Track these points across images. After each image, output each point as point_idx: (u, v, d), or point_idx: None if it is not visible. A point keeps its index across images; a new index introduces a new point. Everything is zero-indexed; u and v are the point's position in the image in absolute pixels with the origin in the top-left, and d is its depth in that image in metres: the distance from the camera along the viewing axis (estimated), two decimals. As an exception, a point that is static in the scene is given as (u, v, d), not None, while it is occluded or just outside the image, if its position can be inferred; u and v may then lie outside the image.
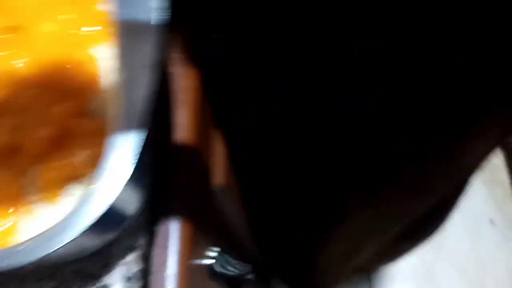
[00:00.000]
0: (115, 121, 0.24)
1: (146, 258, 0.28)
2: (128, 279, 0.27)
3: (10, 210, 0.26)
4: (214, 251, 0.39)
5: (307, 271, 0.59)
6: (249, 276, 0.45)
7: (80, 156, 0.28)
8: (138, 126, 0.24)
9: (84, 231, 0.23)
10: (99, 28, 0.31)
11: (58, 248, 0.22)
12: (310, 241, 0.55)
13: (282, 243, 0.56)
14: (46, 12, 0.32)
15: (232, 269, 0.42)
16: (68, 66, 0.30)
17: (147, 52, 0.24)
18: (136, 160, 0.24)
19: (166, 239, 0.31)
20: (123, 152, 0.25)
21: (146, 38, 0.24)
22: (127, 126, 0.24)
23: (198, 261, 0.38)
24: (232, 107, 0.40)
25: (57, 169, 0.27)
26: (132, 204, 0.27)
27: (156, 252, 0.30)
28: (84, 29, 0.31)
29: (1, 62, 0.31)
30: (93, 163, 0.27)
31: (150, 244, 0.29)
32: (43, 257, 0.22)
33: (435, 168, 0.41)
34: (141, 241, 0.28)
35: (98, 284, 0.26)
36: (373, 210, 0.49)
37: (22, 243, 0.22)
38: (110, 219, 0.24)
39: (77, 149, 0.28)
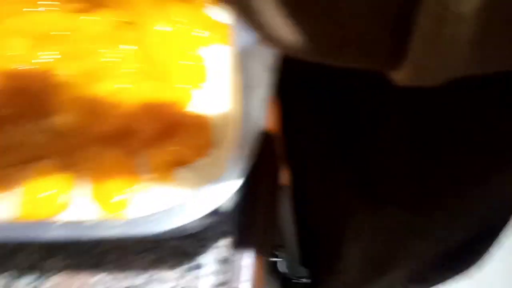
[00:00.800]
0: (233, 117, 0.27)
1: (235, 245, 0.30)
2: (219, 261, 0.29)
3: (124, 186, 0.29)
4: (280, 251, 0.41)
5: (329, 272, 0.59)
6: (304, 281, 0.47)
7: (187, 145, 0.30)
8: (255, 125, 0.26)
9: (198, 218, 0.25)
10: (208, 32, 0.34)
11: (179, 227, 0.24)
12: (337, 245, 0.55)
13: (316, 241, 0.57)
14: (160, 12, 0.35)
15: (292, 271, 0.44)
16: (180, 62, 0.33)
17: (267, 56, 0.26)
18: (245, 156, 0.26)
19: (244, 235, 0.33)
20: (232, 147, 0.27)
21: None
22: (245, 123, 0.26)
23: (267, 257, 0.40)
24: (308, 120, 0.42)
25: (166, 154, 0.30)
26: (229, 195, 0.29)
27: (237, 243, 0.33)
28: (194, 32, 0.34)
29: (113, 55, 0.34)
30: (200, 152, 0.30)
31: (239, 232, 0.31)
32: (165, 231, 0.24)
33: (474, 187, 0.41)
34: (233, 228, 0.30)
35: (193, 263, 0.29)
36: (408, 229, 0.49)
37: (144, 217, 0.25)
38: (216, 211, 0.27)
39: (185, 138, 0.30)
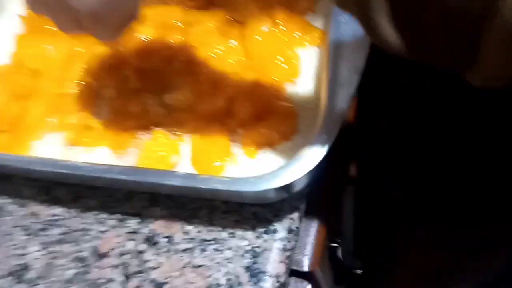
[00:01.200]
0: (319, 110, 0.32)
1: (304, 221, 0.36)
2: (290, 231, 0.34)
3: (220, 156, 0.35)
4: (340, 239, 0.46)
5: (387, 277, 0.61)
6: (357, 272, 0.50)
7: (274, 129, 0.36)
8: (337, 119, 0.31)
9: (273, 189, 0.30)
10: (305, 35, 0.39)
11: (263, 192, 0.29)
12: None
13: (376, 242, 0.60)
14: (266, 14, 0.41)
15: (347, 259, 0.48)
16: (279, 58, 0.38)
17: (357, 60, 0.31)
18: (327, 147, 0.31)
19: (311, 214, 0.38)
20: (314, 135, 0.32)
21: (357, 52, 0.31)
22: (328, 116, 0.31)
23: (327, 242, 0.44)
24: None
25: (257, 134, 0.36)
26: (310, 178, 0.34)
27: (305, 220, 0.38)
28: (293, 34, 0.40)
29: (221, 47, 0.40)
30: (286, 137, 0.36)
31: (308, 211, 0.36)
32: (254, 193, 0.29)
33: None
34: (304, 206, 0.35)
35: (268, 228, 0.34)
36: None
37: (242, 178, 0.30)
38: (296, 183, 0.32)
39: (274, 123, 0.36)
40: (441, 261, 0.55)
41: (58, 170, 0.33)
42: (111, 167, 0.32)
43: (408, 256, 0.59)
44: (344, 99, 0.30)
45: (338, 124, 0.30)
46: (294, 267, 0.37)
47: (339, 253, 0.46)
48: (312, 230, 0.38)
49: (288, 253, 0.33)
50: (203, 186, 0.30)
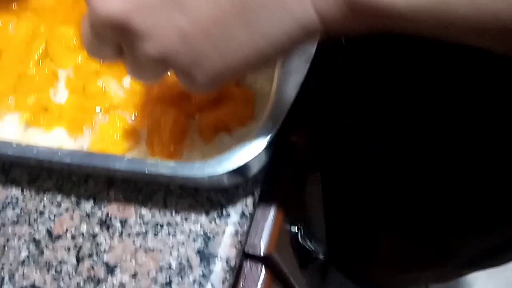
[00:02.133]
0: (272, 96, 0.32)
1: (260, 205, 0.36)
2: (243, 215, 0.34)
3: (176, 140, 0.35)
4: (301, 225, 0.46)
5: (365, 262, 0.62)
6: (321, 257, 0.51)
7: (232, 115, 0.36)
8: (286, 105, 0.31)
9: (231, 171, 0.31)
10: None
11: (221, 174, 0.29)
12: (372, 235, 0.58)
13: (349, 229, 0.61)
14: None
15: (310, 245, 0.49)
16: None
17: (307, 51, 0.31)
18: (275, 132, 0.31)
19: (267, 199, 0.38)
20: (267, 120, 0.32)
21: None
22: (277, 102, 0.31)
23: (287, 227, 0.45)
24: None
25: (213, 119, 0.36)
26: (261, 162, 0.34)
27: (259, 207, 0.38)
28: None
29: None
30: (242, 122, 0.36)
31: (264, 195, 0.36)
32: (212, 176, 0.29)
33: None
34: (259, 191, 0.36)
35: (223, 212, 0.34)
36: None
37: (191, 163, 0.30)
38: (246, 167, 0.32)
39: (231, 109, 0.36)
40: (416, 247, 0.56)
41: (7, 152, 0.33)
42: (57, 150, 0.32)
43: (383, 243, 0.60)
44: (293, 86, 0.31)
45: (285, 111, 0.30)
46: (250, 252, 0.37)
47: (303, 240, 0.46)
48: (269, 215, 0.39)
49: (239, 238, 0.34)
50: (150, 171, 0.30)
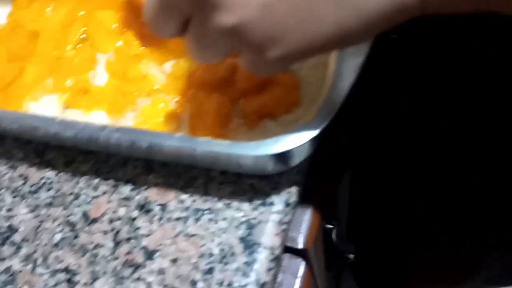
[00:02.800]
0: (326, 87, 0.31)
1: (302, 196, 0.35)
2: (288, 204, 0.33)
3: (219, 125, 0.34)
4: (337, 222, 0.45)
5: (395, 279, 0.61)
6: (350, 256, 0.50)
7: (277, 101, 0.35)
8: (341, 93, 0.30)
9: (273, 155, 0.30)
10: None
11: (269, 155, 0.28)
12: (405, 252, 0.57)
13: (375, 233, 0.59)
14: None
15: (341, 243, 0.48)
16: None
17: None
18: (327, 123, 0.30)
19: (308, 192, 0.37)
20: (320, 110, 0.31)
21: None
22: (333, 90, 0.30)
23: (323, 223, 0.44)
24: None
25: (258, 105, 0.35)
26: (306, 151, 0.33)
27: (303, 195, 0.37)
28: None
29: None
30: (287, 109, 0.35)
31: (307, 187, 0.35)
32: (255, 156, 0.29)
33: None
34: (303, 181, 0.35)
35: (266, 200, 0.33)
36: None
37: (237, 143, 0.30)
38: (291, 153, 0.31)
39: (276, 95, 0.35)
40: (441, 254, 0.55)
41: (49, 128, 0.32)
42: (105, 126, 0.31)
43: (407, 248, 0.58)
44: (348, 79, 0.30)
45: (338, 104, 0.29)
46: (289, 244, 0.36)
47: (334, 235, 0.45)
48: (308, 209, 0.38)
49: (284, 226, 0.33)
50: (200, 149, 0.29)
